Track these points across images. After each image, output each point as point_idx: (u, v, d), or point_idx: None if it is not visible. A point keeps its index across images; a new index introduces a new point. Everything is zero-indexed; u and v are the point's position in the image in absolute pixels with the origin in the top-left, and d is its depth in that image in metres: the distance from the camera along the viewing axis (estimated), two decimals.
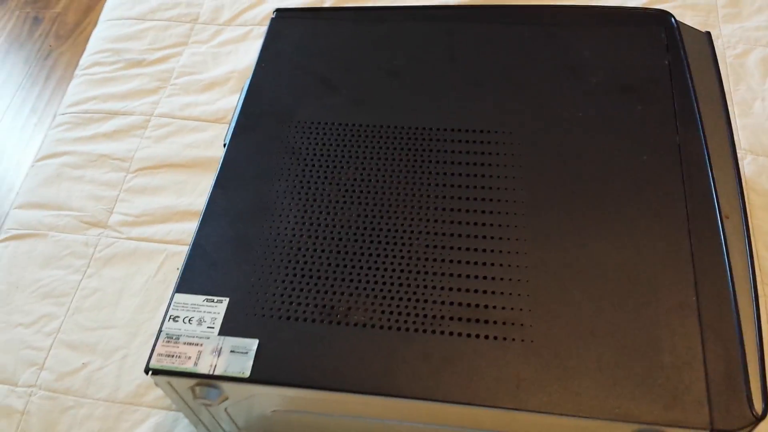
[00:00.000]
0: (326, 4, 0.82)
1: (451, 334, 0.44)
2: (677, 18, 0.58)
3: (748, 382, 0.40)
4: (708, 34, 0.57)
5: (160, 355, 0.44)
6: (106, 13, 0.87)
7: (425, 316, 0.44)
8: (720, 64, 0.73)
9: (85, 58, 0.82)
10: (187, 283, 0.47)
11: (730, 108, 0.70)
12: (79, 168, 0.70)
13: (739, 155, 0.67)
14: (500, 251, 0.47)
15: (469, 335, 0.43)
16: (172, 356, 0.44)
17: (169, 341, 0.44)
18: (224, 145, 0.54)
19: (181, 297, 0.46)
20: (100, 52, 0.81)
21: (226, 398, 0.45)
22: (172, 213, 0.66)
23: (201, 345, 0.44)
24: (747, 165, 0.66)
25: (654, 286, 0.44)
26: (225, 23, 0.82)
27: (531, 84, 0.55)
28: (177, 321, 0.45)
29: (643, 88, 0.54)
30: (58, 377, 0.58)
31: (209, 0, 0.84)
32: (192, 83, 0.76)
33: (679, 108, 0.52)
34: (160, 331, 0.45)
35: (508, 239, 0.47)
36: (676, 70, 0.54)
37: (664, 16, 0.57)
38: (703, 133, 0.51)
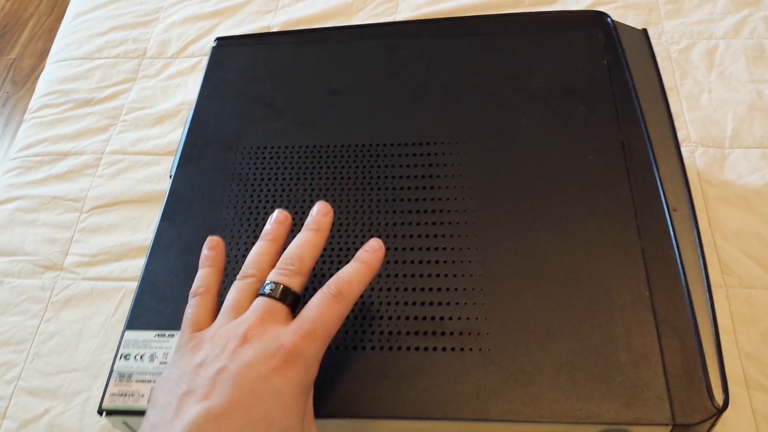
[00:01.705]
0: (274, 30, 0.83)
1: (408, 349, 0.43)
2: (619, 18, 0.58)
3: (707, 373, 0.40)
4: (644, 31, 0.58)
5: (113, 394, 0.43)
6: (54, 54, 0.86)
7: (381, 333, 0.44)
8: (665, 60, 0.75)
9: (34, 102, 0.81)
10: (137, 320, 0.46)
11: (678, 103, 0.71)
12: (32, 212, 0.69)
13: (689, 148, 0.68)
14: (453, 261, 0.46)
15: (426, 349, 0.43)
16: (125, 395, 0.43)
17: (121, 380, 0.43)
18: (170, 177, 0.53)
19: (131, 334, 0.45)
20: (48, 94, 0.81)
21: None
22: (127, 250, 0.65)
23: (154, 381, 0.43)
24: (698, 157, 0.67)
25: (607, 285, 0.44)
26: (173, 56, 0.81)
27: (474, 94, 0.55)
28: (128, 359, 0.44)
29: (584, 89, 0.54)
30: (20, 425, 0.56)
31: (156, 34, 0.84)
32: (142, 118, 0.75)
33: (621, 106, 0.52)
34: (111, 370, 0.44)
35: (460, 249, 0.47)
36: (615, 69, 0.55)
37: (600, 16, 0.58)
38: (646, 129, 0.51)
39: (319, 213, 0.43)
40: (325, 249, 0.47)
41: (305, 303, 0.39)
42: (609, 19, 0.57)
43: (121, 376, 0.44)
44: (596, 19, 0.58)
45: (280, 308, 0.39)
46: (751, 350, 0.56)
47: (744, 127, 0.69)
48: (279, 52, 0.60)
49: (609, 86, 0.53)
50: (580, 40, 0.57)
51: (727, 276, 0.60)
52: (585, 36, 0.57)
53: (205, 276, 0.42)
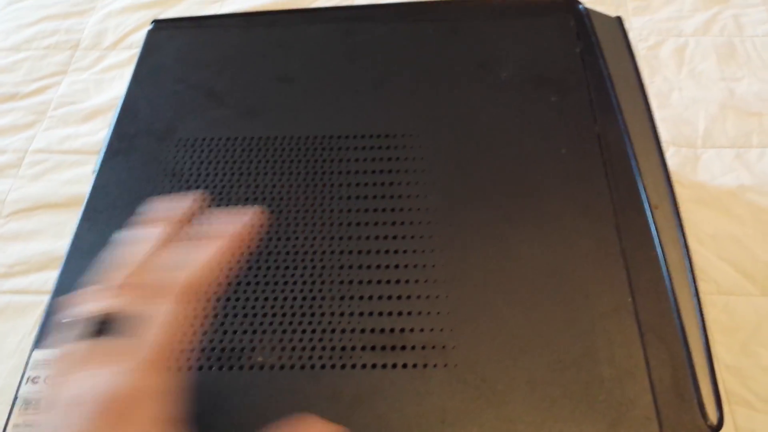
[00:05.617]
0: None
1: (363, 366, 0.38)
2: None
3: (698, 387, 0.36)
4: (619, 19, 0.54)
5: (17, 426, 0.36)
6: None
7: (333, 348, 0.38)
8: None
9: None
10: (47, 337, 0.39)
11: None
12: None
13: None
14: (415, 265, 0.41)
15: (384, 366, 0.38)
16: (32, 426, 0.36)
17: (27, 408, 0.37)
18: (93, 173, 0.47)
19: (40, 353, 0.39)
20: None
21: None
22: (49, 259, 0.58)
23: None
24: (671, 157, 0.64)
25: (585, 290, 0.39)
26: (108, 48, 0.75)
27: (438, 83, 0.51)
28: (37, 383, 0.38)
29: (557, 78, 0.50)
30: None
31: (92, 24, 0.78)
32: (72, 114, 0.68)
33: (596, 96, 0.48)
34: (15, 397, 0.37)
35: (423, 251, 0.42)
36: (588, 58, 0.51)
37: (572, 2, 0.54)
38: (623, 120, 0.47)
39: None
40: (278, 253, 0.42)
41: None
42: (581, 6, 0.53)
43: (27, 403, 0.37)
44: (567, 5, 0.54)
45: None
46: (731, 362, 0.52)
47: (716, 126, 0.66)
48: (223, 36, 0.55)
49: (583, 75, 0.49)
50: (551, 27, 0.52)
51: (704, 282, 0.56)
52: (556, 23, 0.53)
53: None
